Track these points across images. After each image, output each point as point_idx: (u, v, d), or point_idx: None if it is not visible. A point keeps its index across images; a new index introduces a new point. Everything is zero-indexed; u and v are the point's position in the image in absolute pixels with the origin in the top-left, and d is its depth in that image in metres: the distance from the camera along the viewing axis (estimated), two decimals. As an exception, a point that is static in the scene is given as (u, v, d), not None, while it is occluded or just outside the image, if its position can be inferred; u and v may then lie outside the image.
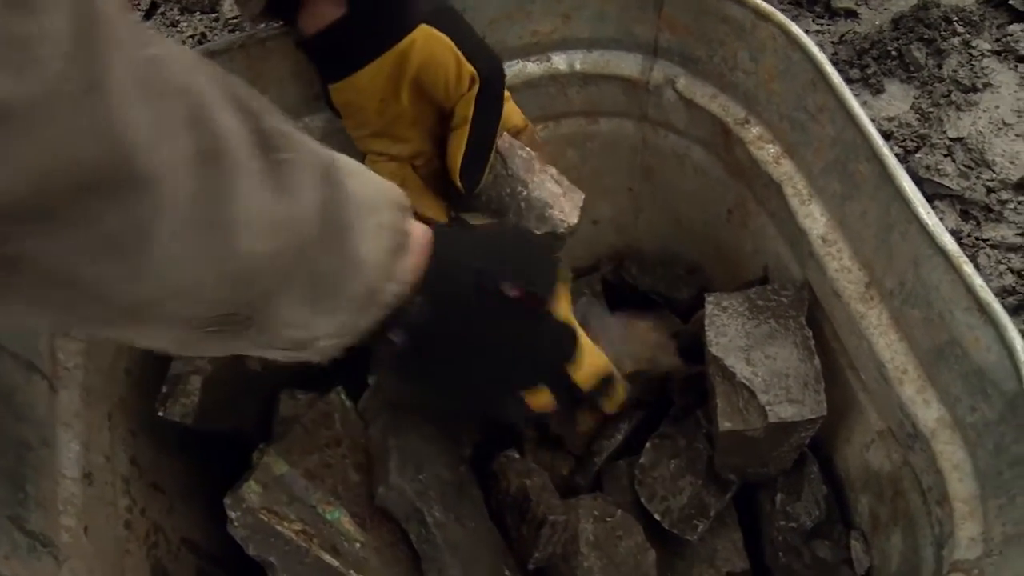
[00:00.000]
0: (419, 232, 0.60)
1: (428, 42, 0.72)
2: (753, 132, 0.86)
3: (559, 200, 0.79)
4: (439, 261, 0.61)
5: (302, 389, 0.82)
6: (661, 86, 0.91)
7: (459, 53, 0.73)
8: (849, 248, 0.78)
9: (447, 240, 0.62)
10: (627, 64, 0.92)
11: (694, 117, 0.91)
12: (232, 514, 0.69)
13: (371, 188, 0.55)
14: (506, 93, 0.79)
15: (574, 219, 0.79)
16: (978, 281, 0.64)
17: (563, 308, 0.69)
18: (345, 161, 0.54)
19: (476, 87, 0.73)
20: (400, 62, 0.72)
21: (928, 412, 0.69)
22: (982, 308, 0.63)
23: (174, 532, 0.81)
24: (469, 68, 0.73)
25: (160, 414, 0.78)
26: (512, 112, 0.81)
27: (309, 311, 0.51)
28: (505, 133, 0.78)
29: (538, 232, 0.78)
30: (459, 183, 0.76)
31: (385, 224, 0.55)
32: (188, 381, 0.78)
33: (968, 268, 0.65)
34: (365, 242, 0.53)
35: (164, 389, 0.79)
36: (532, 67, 0.91)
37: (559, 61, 0.92)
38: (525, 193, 0.78)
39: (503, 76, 0.76)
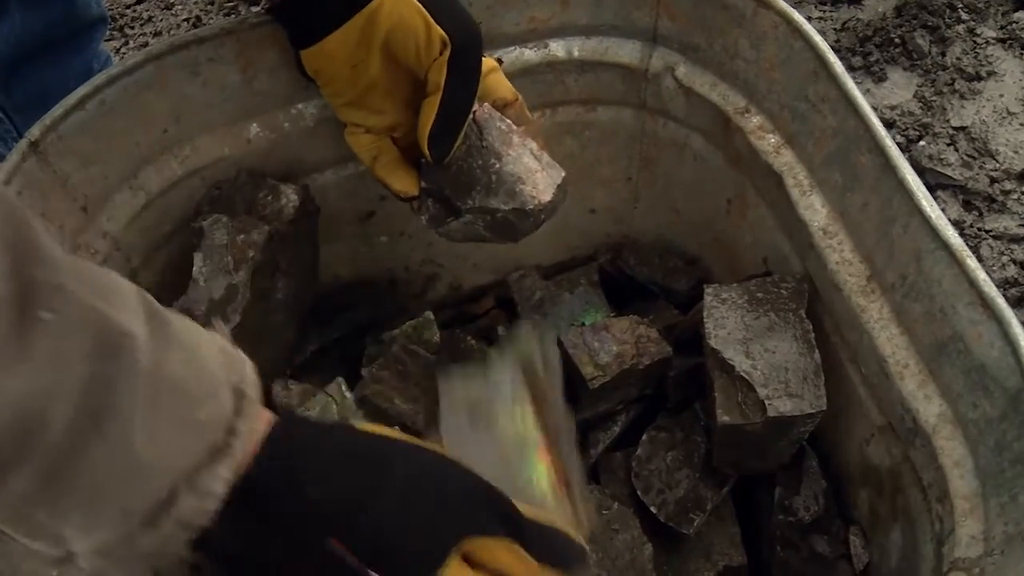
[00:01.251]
0: (260, 429, 0.48)
1: (396, 5, 0.69)
2: (753, 122, 0.85)
3: (534, 176, 0.74)
4: (260, 483, 0.46)
5: (292, 377, 0.81)
6: (660, 74, 0.90)
7: (428, 16, 0.69)
8: (850, 240, 0.76)
9: (290, 440, 0.48)
10: (626, 51, 0.90)
11: (693, 106, 0.90)
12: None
13: (197, 367, 0.44)
14: (494, 63, 0.76)
15: (547, 197, 0.74)
16: (981, 276, 0.63)
17: None
18: (179, 329, 0.45)
19: (447, 52, 0.70)
20: (368, 26, 0.70)
21: (929, 408, 0.68)
22: (985, 303, 0.62)
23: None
24: (439, 32, 0.69)
25: None
26: (499, 83, 0.77)
27: (48, 515, 0.39)
28: (486, 104, 0.75)
29: (505, 208, 0.73)
30: (427, 152, 0.72)
31: (203, 419, 0.44)
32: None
33: (971, 262, 0.63)
34: (155, 439, 0.41)
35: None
36: (529, 54, 0.90)
37: (557, 48, 0.90)
38: (498, 166, 0.74)
39: (479, 41, 0.72)
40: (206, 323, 0.52)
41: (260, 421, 0.48)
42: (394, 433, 0.53)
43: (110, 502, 0.41)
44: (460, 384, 0.68)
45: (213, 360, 0.46)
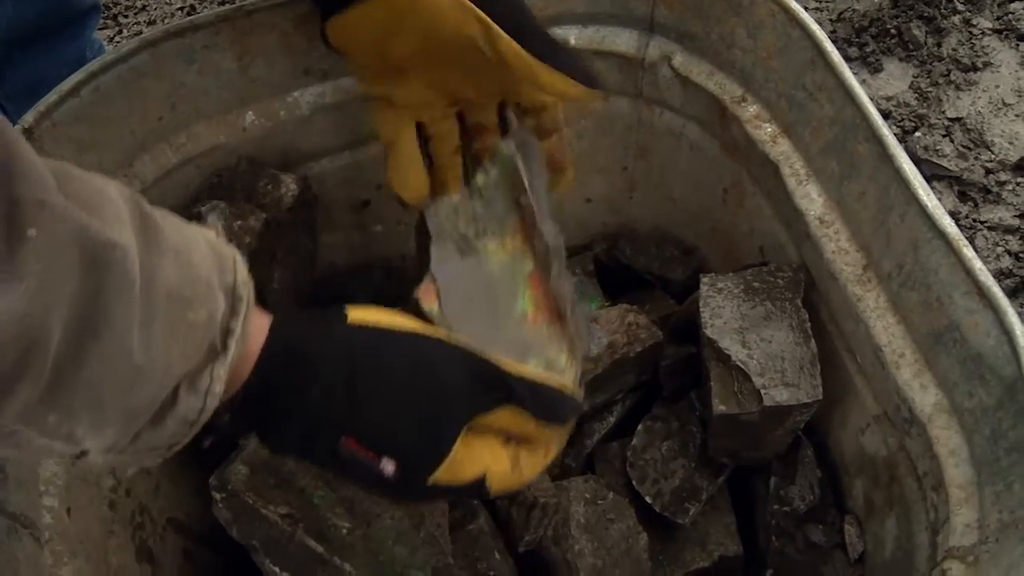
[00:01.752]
0: (258, 328, 0.50)
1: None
2: (750, 111, 0.84)
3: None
4: (263, 382, 0.49)
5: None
6: (657, 63, 0.90)
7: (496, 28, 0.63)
8: (847, 229, 0.76)
9: (289, 346, 0.50)
10: (622, 40, 0.90)
11: (690, 95, 0.89)
12: (217, 495, 0.68)
13: (189, 271, 0.45)
14: None
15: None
16: (978, 265, 0.63)
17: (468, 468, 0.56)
18: (170, 234, 0.45)
19: (494, 28, 0.64)
20: (392, 13, 0.65)
21: (925, 397, 0.68)
22: (982, 292, 0.62)
23: (160, 513, 0.80)
24: (470, 8, 0.63)
25: None
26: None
27: (57, 419, 0.41)
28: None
29: None
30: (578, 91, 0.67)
31: (197, 321, 0.45)
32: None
33: (968, 251, 0.63)
34: (152, 345, 0.42)
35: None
36: (526, 42, 0.89)
37: (554, 36, 0.90)
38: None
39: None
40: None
41: (255, 320, 0.49)
42: (388, 318, 0.55)
43: (114, 406, 0.43)
44: (448, 216, 0.67)
45: (205, 262, 0.47)
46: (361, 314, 0.54)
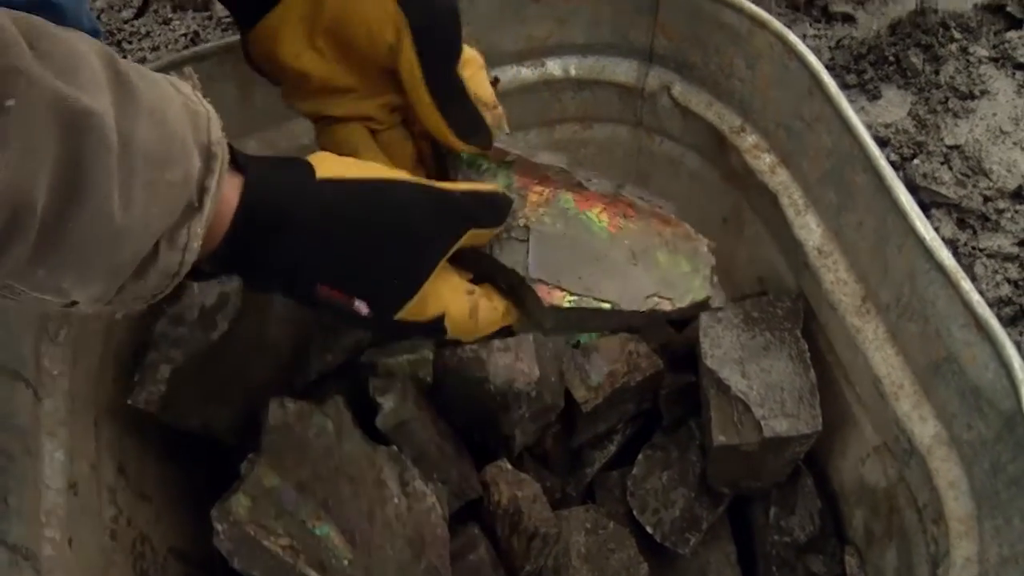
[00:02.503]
0: (232, 185, 0.52)
1: None
2: (749, 140, 0.85)
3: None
4: (239, 238, 0.51)
5: (291, 397, 0.81)
6: (656, 92, 0.90)
7: None
8: (845, 260, 0.77)
9: (262, 203, 0.52)
10: (622, 70, 0.91)
11: (689, 124, 0.90)
12: (218, 527, 0.68)
13: (164, 131, 0.46)
14: (479, 61, 0.67)
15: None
16: (975, 297, 0.63)
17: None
18: (145, 94, 0.46)
19: (406, 36, 0.62)
20: (312, 7, 0.64)
21: (924, 428, 0.69)
22: (979, 325, 0.62)
23: (161, 542, 0.80)
24: (393, 9, 0.61)
25: (128, 402, 0.77)
26: (481, 84, 0.67)
27: (46, 274, 0.44)
28: None
29: None
30: (452, 140, 0.66)
31: (174, 180, 0.46)
32: (158, 370, 0.77)
33: (966, 284, 0.64)
34: (131, 205, 0.44)
35: (135, 378, 0.78)
36: (526, 72, 0.90)
37: (554, 66, 0.91)
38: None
39: (449, 19, 0.64)
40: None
41: (230, 178, 0.51)
42: (355, 168, 0.57)
43: (99, 261, 0.45)
44: None
45: (181, 122, 0.48)
46: (328, 167, 0.56)
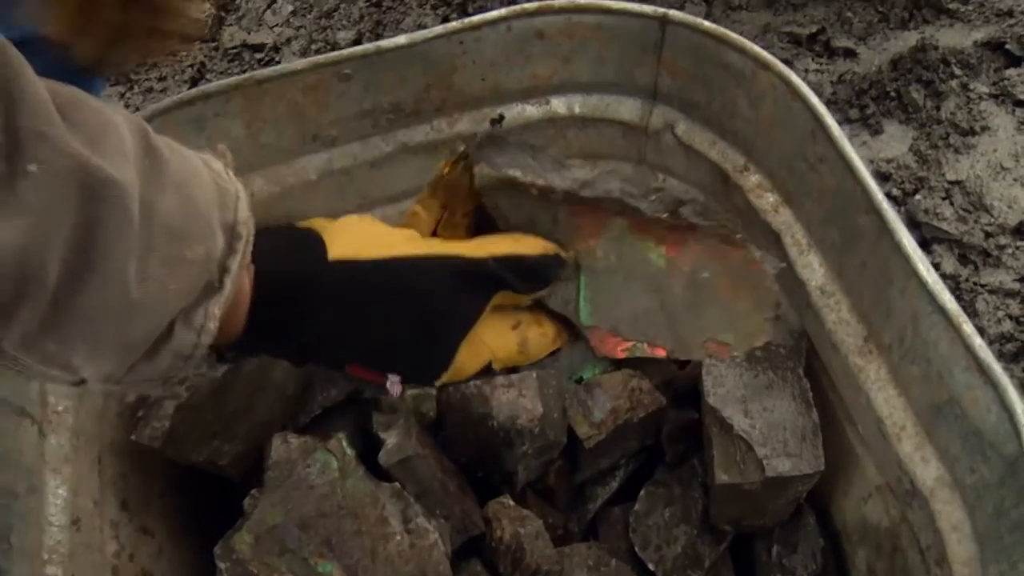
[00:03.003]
0: (251, 272, 0.51)
1: None
2: (752, 180, 0.86)
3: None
4: (257, 328, 0.50)
5: (296, 433, 0.81)
6: (660, 131, 0.91)
7: None
8: (848, 300, 0.77)
9: (276, 294, 0.51)
10: (626, 108, 0.92)
11: (693, 163, 0.91)
12: (221, 565, 0.68)
13: (189, 207, 0.46)
14: None
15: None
16: (977, 341, 0.63)
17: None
18: (174, 168, 0.46)
19: None
20: None
21: (927, 470, 0.69)
22: (982, 368, 0.63)
23: (163, 577, 0.80)
24: None
25: (132, 437, 0.77)
26: None
27: (56, 348, 0.42)
28: None
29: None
30: None
31: (195, 258, 0.45)
32: (162, 406, 0.78)
33: (968, 327, 0.64)
34: (148, 279, 0.43)
35: (140, 413, 0.78)
36: (531, 110, 0.91)
37: (558, 104, 0.92)
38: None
39: None
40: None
41: (250, 260, 0.50)
42: (367, 247, 0.56)
43: (110, 337, 0.43)
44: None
45: (207, 198, 0.47)
46: (342, 244, 0.55)
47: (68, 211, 0.39)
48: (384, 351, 0.54)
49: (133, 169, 0.43)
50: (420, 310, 0.54)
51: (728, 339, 0.61)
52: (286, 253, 0.53)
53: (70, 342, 0.42)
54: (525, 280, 0.58)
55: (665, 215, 0.63)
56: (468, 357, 0.56)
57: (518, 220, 0.60)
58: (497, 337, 0.58)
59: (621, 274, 0.61)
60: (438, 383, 0.56)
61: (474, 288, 0.56)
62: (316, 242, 0.54)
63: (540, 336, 0.60)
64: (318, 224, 0.56)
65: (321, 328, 0.52)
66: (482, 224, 0.69)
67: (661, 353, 0.59)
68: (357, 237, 0.56)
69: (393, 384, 0.54)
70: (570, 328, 0.61)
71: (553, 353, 0.62)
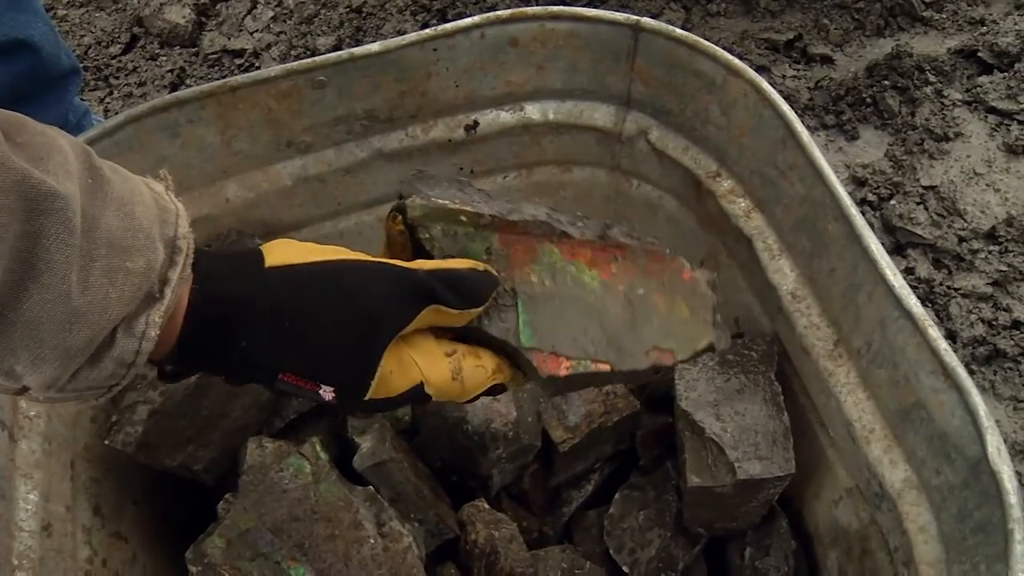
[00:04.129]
0: (191, 280, 0.52)
1: None
2: (724, 186, 0.86)
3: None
4: (194, 334, 0.52)
5: (271, 437, 0.81)
6: (634, 137, 0.92)
7: None
8: (818, 305, 0.78)
9: (213, 298, 0.52)
10: (600, 115, 0.92)
11: (666, 169, 0.91)
12: (193, 569, 0.68)
13: (131, 222, 0.48)
14: None
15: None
16: (943, 345, 0.64)
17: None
18: (117, 186, 0.48)
19: None
20: None
21: (895, 473, 0.69)
22: (947, 372, 0.63)
23: (136, 583, 0.80)
24: None
25: (106, 442, 0.77)
26: None
27: (0, 355, 0.45)
28: None
29: None
30: None
31: (135, 268, 0.47)
32: (135, 411, 0.78)
33: (933, 332, 0.65)
34: (90, 288, 0.45)
35: (113, 418, 0.78)
36: (506, 116, 0.92)
37: (532, 111, 0.92)
38: None
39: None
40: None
41: (190, 272, 0.51)
42: (303, 253, 0.57)
43: (53, 344, 0.45)
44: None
45: (148, 214, 0.49)
46: (279, 254, 0.56)
47: (11, 221, 0.41)
48: (313, 357, 0.54)
49: (76, 185, 0.45)
50: (345, 313, 0.55)
51: (670, 346, 0.62)
52: (225, 265, 0.54)
53: (13, 348, 0.44)
54: (456, 294, 0.58)
55: (595, 239, 0.64)
56: (396, 370, 0.56)
57: (452, 252, 0.60)
58: (428, 358, 0.58)
59: (558, 298, 0.61)
60: (367, 397, 0.56)
61: (404, 293, 0.56)
62: (254, 254, 0.56)
63: (476, 367, 0.60)
64: (264, 245, 0.57)
65: (253, 332, 0.53)
66: None
67: (605, 367, 0.60)
68: (293, 248, 0.57)
69: (326, 391, 0.54)
70: (514, 365, 0.61)
71: (498, 388, 0.62)
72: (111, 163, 0.50)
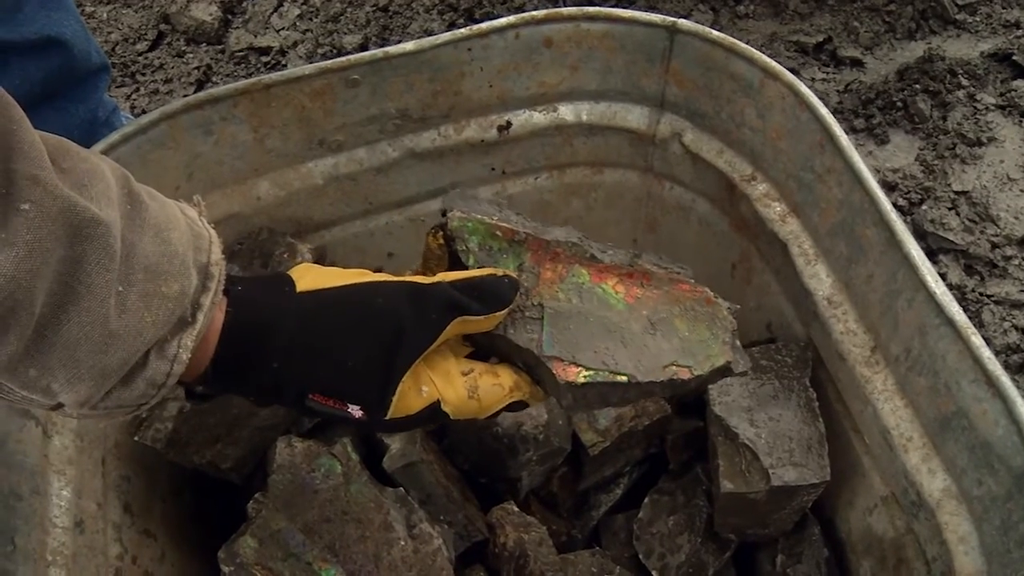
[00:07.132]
0: (223, 309, 0.54)
1: None
2: (759, 189, 0.85)
3: None
4: (227, 357, 0.53)
5: (299, 437, 0.81)
6: (667, 139, 0.91)
7: None
8: (855, 311, 0.77)
9: (246, 322, 0.54)
10: (633, 116, 0.92)
11: (700, 171, 0.91)
12: (225, 568, 0.68)
13: (166, 248, 0.49)
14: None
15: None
16: (986, 353, 0.63)
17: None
18: (154, 213, 0.49)
19: None
20: None
21: (933, 482, 0.68)
22: (990, 381, 0.62)
23: (165, 581, 0.80)
24: None
25: (135, 438, 0.77)
26: None
27: (37, 373, 0.46)
28: None
29: None
30: None
31: (170, 293, 0.49)
32: (165, 408, 0.78)
33: (976, 339, 0.64)
34: (127, 312, 0.47)
35: (143, 414, 0.78)
36: (539, 117, 0.91)
37: (566, 112, 0.92)
38: None
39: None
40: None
41: (223, 299, 0.54)
42: (333, 277, 0.59)
43: (90, 363, 0.47)
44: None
45: (183, 240, 0.51)
46: (310, 280, 0.57)
47: (56, 246, 0.43)
48: (342, 376, 0.56)
49: (116, 211, 0.47)
50: (372, 333, 0.56)
51: (688, 362, 0.63)
52: (257, 290, 0.57)
53: (51, 367, 0.46)
54: (481, 300, 0.59)
55: (623, 265, 0.66)
56: (412, 389, 0.58)
57: (486, 266, 0.63)
58: (445, 377, 0.59)
59: (583, 315, 0.63)
60: (388, 416, 0.57)
61: (430, 312, 0.58)
62: (285, 279, 0.58)
63: (493, 385, 0.61)
64: (292, 270, 0.59)
65: (283, 353, 0.55)
66: None
67: (622, 379, 0.61)
68: (322, 273, 0.59)
69: (354, 410, 0.55)
70: (535, 381, 0.63)
71: (519, 404, 0.63)
72: (148, 188, 0.51)
